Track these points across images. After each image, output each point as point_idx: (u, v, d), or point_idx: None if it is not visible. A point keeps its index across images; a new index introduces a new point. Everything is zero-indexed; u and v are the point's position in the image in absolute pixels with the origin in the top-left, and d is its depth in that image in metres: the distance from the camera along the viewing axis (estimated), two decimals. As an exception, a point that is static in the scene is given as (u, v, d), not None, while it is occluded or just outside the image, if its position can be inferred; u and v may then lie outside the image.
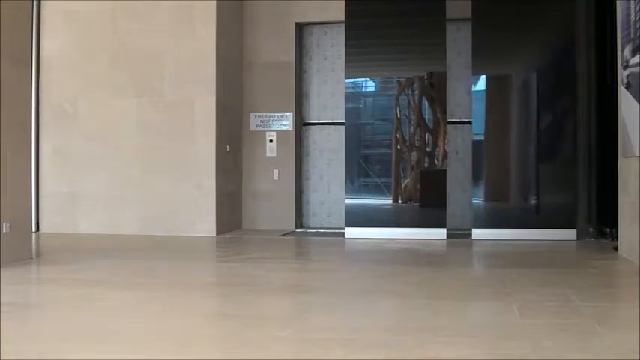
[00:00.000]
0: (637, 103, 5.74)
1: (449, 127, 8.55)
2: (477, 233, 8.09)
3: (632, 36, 5.91)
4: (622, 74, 6.25)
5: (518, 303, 4.23)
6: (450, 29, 8.68)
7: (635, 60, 5.80)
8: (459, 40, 8.83)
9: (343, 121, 8.84)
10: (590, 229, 8.11)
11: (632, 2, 5.90)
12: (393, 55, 8.67)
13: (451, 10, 8.35)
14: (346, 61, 8.59)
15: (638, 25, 5.73)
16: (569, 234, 7.93)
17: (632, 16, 5.87)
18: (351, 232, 8.34)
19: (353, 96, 8.88)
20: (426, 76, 8.55)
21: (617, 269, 6.02)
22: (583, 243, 7.71)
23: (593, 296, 4.69)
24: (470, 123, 8.49)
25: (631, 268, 5.66)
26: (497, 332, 3.58)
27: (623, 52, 6.18)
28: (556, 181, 8.23)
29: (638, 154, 5.72)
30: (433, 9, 8.28)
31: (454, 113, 8.79)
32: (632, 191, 5.98)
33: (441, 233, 8.15)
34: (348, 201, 8.58)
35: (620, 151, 6.43)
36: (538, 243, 7.67)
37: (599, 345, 3.27)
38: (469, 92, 8.60)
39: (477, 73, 8.37)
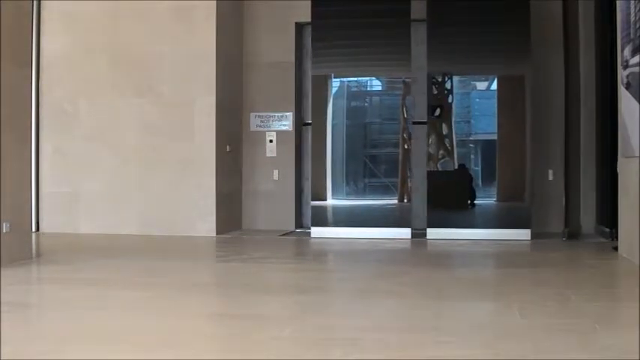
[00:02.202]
0: (637, 103, 5.74)
1: (415, 127, 8.55)
2: (432, 233, 8.12)
3: (632, 36, 5.91)
4: (622, 74, 6.25)
5: (517, 303, 4.23)
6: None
7: (635, 60, 5.80)
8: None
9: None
10: (565, 230, 8.05)
11: (632, 2, 5.89)
12: (361, 55, 8.74)
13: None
14: (312, 62, 8.60)
15: (638, 25, 5.73)
16: (524, 234, 7.95)
17: (632, 16, 5.87)
18: (317, 232, 8.40)
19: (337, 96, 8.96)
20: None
21: (617, 269, 6.02)
22: (557, 242, 7.68)
23: (593, 296, 4.69)
24: (426, 123, 8.49)
25: (631, 268, 5.66)
26: (497, 332, 3.58)
27: (623, 52, 6.18)
28: (513, 183, 8.37)
29: (638, 154, 5.72)
30: (399, 11, 8.32)
31: (420, 114, 8.70)
32: (632, 191, 5.98)
33: (405, 233, 8.19)
34: (314, 202, 8.68)
35: (620, 151, 6.43)
36: (510, 243, 7.68)
37: (599, 345, 3.27)
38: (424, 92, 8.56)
39: (432, 74, 8.39)
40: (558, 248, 7.36)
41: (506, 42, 8.32)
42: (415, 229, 8.29)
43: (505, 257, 6.97)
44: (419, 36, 8.45)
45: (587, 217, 8.63)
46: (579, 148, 8.64)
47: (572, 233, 8.01)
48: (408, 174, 8.65)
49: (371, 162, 9.10)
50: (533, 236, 7.96)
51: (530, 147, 8.34)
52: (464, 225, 8.27)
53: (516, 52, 8.28)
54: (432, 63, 8.29)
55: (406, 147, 8.61)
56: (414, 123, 8.56)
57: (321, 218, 8.59)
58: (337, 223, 8.61)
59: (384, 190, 8.96)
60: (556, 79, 8.50)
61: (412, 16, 8.36)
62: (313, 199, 8.72)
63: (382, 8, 8.39)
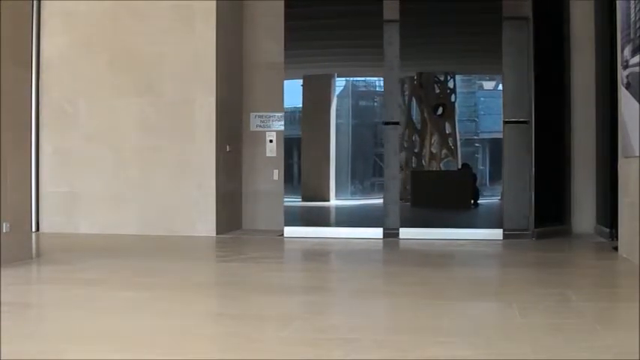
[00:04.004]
0: (637, 103, 5.74)
1: (387, 127, 8.57)
2: (405, 232, 8.16)
3: (632, 36, 5.91)
4: (622, 74, 6.25)
5: (517, 303, 4.23)
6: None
7: (635, 60, 5.80)
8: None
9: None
10: (534, 230, 8.05)
11: (632, 2, 5.90)
12: (334, 56, 8.84)
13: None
14: (285, 63, 8.65)
15: (638, 25, 5.73)
16: (496, 234, 7.99)
17: (632, 16, 5.87)
18: (290, 231, 8.44)
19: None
20: (415, 77, 8.58)
21: (617, 269, 6.02)
22: (528, 242, 7.68)
23: (593, 296, 4.69)
24: (398, 123, 8.52)
25: (631, 268, 5.66)
26: (497, 332, 3.58)
27: (623, 52, 6.18)
28: (484, 183, 8.56)
29: (638, 154, 5.72)
30: (371, 11, 8.37)
31: (393, 115, 8.69)
32: (632, 191, 5.98)
33: (377, 233, 8.23)
34: (287, 202, 8.72)
35: (620, 151, 6.43)
36: (488, 242, 7.72)
37: (599, 345, 3.27)
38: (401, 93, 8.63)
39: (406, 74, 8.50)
40: (559, 248, 7.36)
41: (478, 42, 8.40)
42: (387, 229, 8.32)
43: (498, 257, 6.96)
44: (391, 36, 8.48)
45: (584, 217, 8.65)
46: (570, 148, 8.65)
47: (542, 233, 8.00)
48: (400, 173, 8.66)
49: (359, 162, 9.08)
50: (506, 236, 7.99)
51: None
52: (435, 225, 8.29)
53: (488, 52, 8.37)
54: (404, 64, 8.37)
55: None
56: (386, 123, 8.58)
57: (293, 218, 8.62)
58: (309, 223, 8.65)
59: (369, 191, 8.95)
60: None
61: (384, 17, 8.42)
62: (286, 199, 8.76)
63: (354, 9, 8.47)
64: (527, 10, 8.30)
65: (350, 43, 8.62)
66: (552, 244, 7.64)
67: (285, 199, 8.73)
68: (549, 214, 8.29)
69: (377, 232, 8.24)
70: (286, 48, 8.59)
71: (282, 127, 9.15)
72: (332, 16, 8.56)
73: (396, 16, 8.33)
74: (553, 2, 8.52)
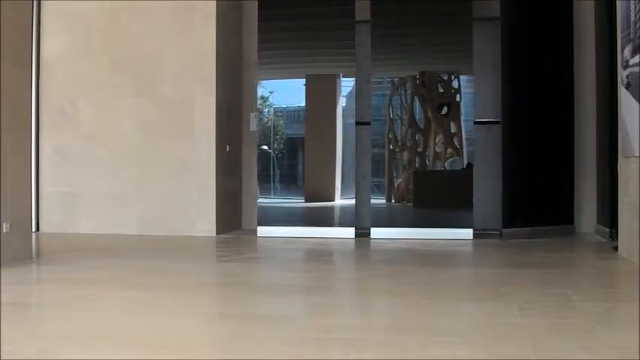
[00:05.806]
0: (637, 103, 5.74)
1: (358, 127, 8.58)
2: (376, 232, 8.22)
3: (632, 36, 5.91)
4: (622, 74, 6.25)
5: (518, 303, 4.23)
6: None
7: (635, 60, 5.80)
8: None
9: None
10: (501, 230, 8.05)
11: (632, 2, 5.90)
12: (306, 57, 8.93)
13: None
14: (259, 64, 8.72)
15: (638, 25, 5.73)
16: (466, 233, 8.03)
17: (632, 16, 5.87)
18: (263, 231, 8.48)
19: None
20: (417, 76, 8.58)
21: (617, 269, 6.02)
22: (495, 242, 7.70)
23: (594, 296, 4.70)
24: (369, 124, 8.56)
25: (631, 268, 5.66)
26: (497, 332, 3.58)
27: (623, 52, 6.18)
28: (455, 184, 8.58)
29: (638, 154, 5.72)
30: (343, 12, 8.44)
31: (364, 115, 8.67)
32: (632, 191, 5.98)
33: (349, 232, 8.30)
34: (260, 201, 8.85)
35: (620, 151, 6.43)
36: (469, 242, 7.76)
37: (600, 345, 3.27)
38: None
39: (378, 75, 8.63)
40: (557, 248, 7.36)
41: (449, 42, 8.48)
42: (359, 229, 8.34)
43: (499, 257, 6.95)
44: (363, 37, 8.50)
45: (585, 217, 8.66)
46: (571, 148, 8.65)
47: (509, 234, 8.02)
48: (395, 174, 8.67)
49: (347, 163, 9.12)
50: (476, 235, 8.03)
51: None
52: (408, 224, 8.42)
53: (460, 52, 8.43)
54: (376, 64, 8.41)
55: (391, 147, 8.62)
56: (358, 124, 8.59)
57: (267, 217, 8.68)
58: (284, 223, 8.72)
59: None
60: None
61: (356, 18, 8.46)
62: (260, 198, 8.86)
63: (326, 10, 8.53)
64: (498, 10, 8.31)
65: (321, 44, 8.73)
66: (551, 244, 7.64)
67: (260, 199, 8.83)
68: (545, 213, 8.28)
69: (349, 232, 8.30)
70: (260, 49, 8.65)
71: (256, 128, 9.13)
72: (302, 16, 8.63)
73: (367, 16, 8.38)
74: (532, 3, 8.48)
